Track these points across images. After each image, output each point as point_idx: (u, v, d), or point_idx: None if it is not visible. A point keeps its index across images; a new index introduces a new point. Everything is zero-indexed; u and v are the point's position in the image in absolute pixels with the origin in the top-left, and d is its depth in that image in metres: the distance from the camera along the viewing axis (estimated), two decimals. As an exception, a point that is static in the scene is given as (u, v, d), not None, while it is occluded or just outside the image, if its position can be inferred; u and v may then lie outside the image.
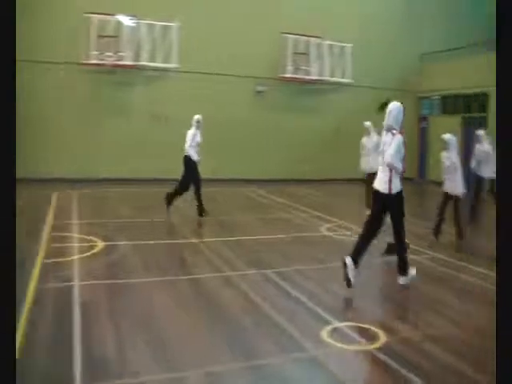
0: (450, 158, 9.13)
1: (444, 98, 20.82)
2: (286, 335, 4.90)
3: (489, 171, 11.12)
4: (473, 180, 11.50)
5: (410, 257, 7.99)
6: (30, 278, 6.21)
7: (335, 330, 5.03)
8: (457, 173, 9.11)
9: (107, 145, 16.63)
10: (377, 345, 4.71)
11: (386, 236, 7.50)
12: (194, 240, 8.88)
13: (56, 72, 15.84)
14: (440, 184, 9.68)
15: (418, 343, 4.82)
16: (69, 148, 16.22)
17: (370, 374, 4.42)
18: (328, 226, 10.49)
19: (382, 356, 4.51)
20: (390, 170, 6.35)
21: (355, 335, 4.95)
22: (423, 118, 21.86)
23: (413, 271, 6.60)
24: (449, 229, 9.37)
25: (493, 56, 18.31)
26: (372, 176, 11.29)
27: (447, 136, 9.27)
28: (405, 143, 6.37)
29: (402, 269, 6.57)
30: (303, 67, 18.98)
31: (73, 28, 15.71)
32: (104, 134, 16.60)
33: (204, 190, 10.88)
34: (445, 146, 9.22)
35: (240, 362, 4.36)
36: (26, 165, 13.10)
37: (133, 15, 16.45)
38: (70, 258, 7.28)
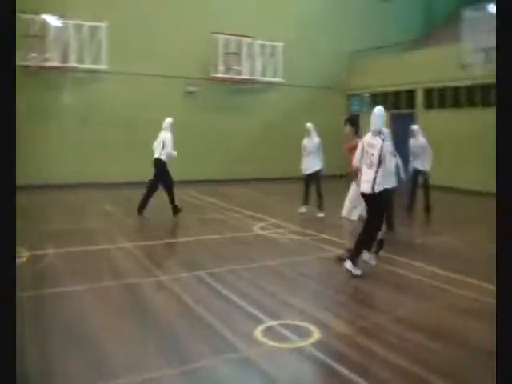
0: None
1: (373, 95, 21.36)
2: (220, 336, 4.84)
3: (424, 164, 11.66)
4: (410, 174, 11.77)
5: (340, 252, 8.16)
6: None
7: (268, 328, 5.00)
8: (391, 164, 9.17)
9: (38, 149, 15.98)
10: (310, 341, 4.72)
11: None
12: (125, 245, 8.64)
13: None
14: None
15: (351, 337, 4.86)
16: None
17: (303, 371, 4.42)
18: (261, 224, 10.50)
19: (315, 352, 4.53)
20: (376, 171, 6.73)
21: (288, 333, 4.93)
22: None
23: (358, 271, 6.84)
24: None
25: (419, 54, 19.34)
26: (311, 176, 11.44)
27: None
28: None
29: (354, 256, 6.87)
30: (235, 67, 18.94)
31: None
32: (35, 138, 15.93)
33: (137, 192, 10.74)
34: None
35: (174, 367, 4.26)
36: None
37: (60, 15, 15.91)
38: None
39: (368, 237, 7.03)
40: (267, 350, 4.58)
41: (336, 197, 14.15)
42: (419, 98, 19.15)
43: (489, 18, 13.43)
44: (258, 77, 19.39)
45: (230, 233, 9.68)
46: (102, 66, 16.40)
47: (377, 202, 6.90)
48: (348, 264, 6.83)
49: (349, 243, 7.48)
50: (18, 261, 7.21)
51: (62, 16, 15.94)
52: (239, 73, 19.00)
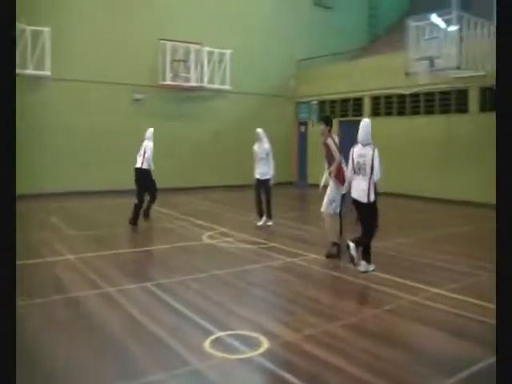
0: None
1: (321, 103, 21.63)
2: (168, 350, 4.74)
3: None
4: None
5: (289, 259, 8.23)
6: None
7: (217, 339, 4.94)
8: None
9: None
10: (259, 351, 4.69)
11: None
12: (69, 256, 8.39)
13: None
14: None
15: (300, 346, 4.86)
16: None
17: (252, 382, 4.39)
18: (210, 233, 10.43)
19: (264, 362, 4.51)
20: (369, 180, 7.21)
21: (238, 343, 4.88)
22: (302, 123, 22.53)
23: (372, 266, 7.46)
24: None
25: (366, 62, 19.72)
26: (262, 182, 11.31)
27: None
28: None
29: (367, 258, 7.44)
30: (182, 74, 18.80)
31: None
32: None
33: (86, 202, 10.49)
34: None
35: (121, 384, 4.16)
36: None
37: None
38: None
39: (368, 241, 7.43)
40: (217, 362, 4.52)
41: (285, 204, 14.22)
42: (366, 106, 19.50)
43: (431, 27, 13.82)
44: (206, 84, 19.29)
45: (178, 242, 9.55)
46: (45, 72, 15.95)
47: (371, 209, 7.36)
48: (362, 267, 7.36)
49: (331, 238, 8.26)
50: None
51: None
52: (187, 80, 18.86)
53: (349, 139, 13.61)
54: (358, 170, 7.32)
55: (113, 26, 17.32)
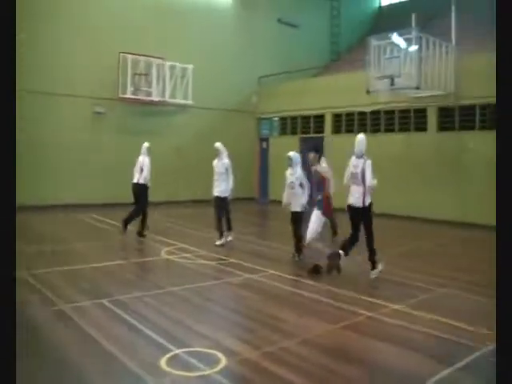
0: (294, 174, 9.39)
1: (283, 119, 21.76)
2: (124, 368, 4.62)
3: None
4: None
5: (248, 276, 8.19)
6: None
7: (174, 357, 4.85)
8: (299, 189, 9.31)
9: None
10: (217, 369, 4.62)
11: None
12: (22, 272, 8.10)
13: None
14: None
15: (258, 363, 4.81)
16: None
17: (209, 401, 4.32)
18: (169, 249, 10.29)
19: (222, 380, 4.44)
20: (364, 187, 7.99)
21: (195, 361, 4.80)
22: (263, 139, 22.61)
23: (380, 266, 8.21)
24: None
25: (328, 79, 19.97)
26: (221, 200, 11.15)
27: (291, 153, 9.60)
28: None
29: (374, 262, 8.20)
30: (144, 88, 18.65)
31: None
32: None
33: (45, 216, 10.24)
34: (289, 162, 9.48)
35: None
36: None
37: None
38: None
39: (372, 245, 8.23)
40: (173, 380, 4.44)
41: (245, 220, 14.17)
42: (328, 123, 19.69)
43: (392, 46, 14.09)
44: (167, 99, 19.19)
45: (136, 258, 9.43)
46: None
47: (366, 214, 8.16)
48: (375, 271, 8.18)
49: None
50: None
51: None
52: (149, 94, 18.71)
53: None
54: (352, 178, 8.13)
55: (73, 38, 17.08)
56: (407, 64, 13.86)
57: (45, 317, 6.07)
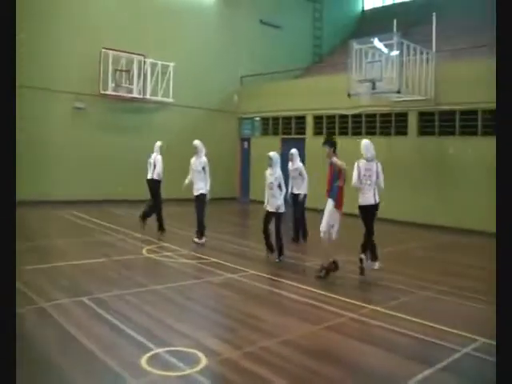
0: (274, 174, 9.40)
1: (265, 120, 21.79)
2: (103, 367, 4.59)
3: (302, 188, 11.40)
4: (290, 197, 11.61)
5: (229, 275, 8.19)
6: None
7: (155, 356, 4.83)
8: (278, 190, 9.35)
9: None
10: (198, 368, 4.60)
11: None
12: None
13: None
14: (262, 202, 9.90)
15: (239, 362, 4.81)
16: None
17: (190, 401, 4.31)
18: (150, 247, 10.26)
19: (202, 379, 4.43)
20: (374, 188, 8.58)
21: (175, 360, 4.78)
22: (245, 139, 22.61)
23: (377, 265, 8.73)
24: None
25: (310, 81, 20.04)
26: (196, 198, 11.06)
27: (272, 153, 9.60)
28: None
29: (375, 257, 8.81)
30: (125, 85, 18.50)
31: None
32: None
33: (18, 212, 10.06)
34: (269, 162, 9.49)
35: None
36: None
37: None
38: None
39: (371, 240, 8.78)
40: (153, 379, 4.42)
41: (226, 220, 14.15)
42: (309, 124, 19.77)
43: (374, 50, 14.20)
44: (148, 96, 19.08)
45: (117, 256, 9.33)
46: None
47: (375, 211, 8.70)
48: (376, 265, 8.71)
49: (324, 259, 8.37)
50: None
51: None
52: (129, 91, 18.56)
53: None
54: (365, 181, 8.56)
55: (54, 33, 16.88)
56: (388, 68, 13.97)
57: (24, 314, 5.99)
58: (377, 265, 8.79)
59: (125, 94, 18.46)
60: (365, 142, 8.95)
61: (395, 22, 15.85)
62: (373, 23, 24.75)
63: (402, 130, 16.74)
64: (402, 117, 16.73)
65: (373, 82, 13.89)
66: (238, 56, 22.11)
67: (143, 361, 4.70)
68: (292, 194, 11.59)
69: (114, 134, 18.47)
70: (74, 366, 4.68)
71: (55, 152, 16.98)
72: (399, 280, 8.36)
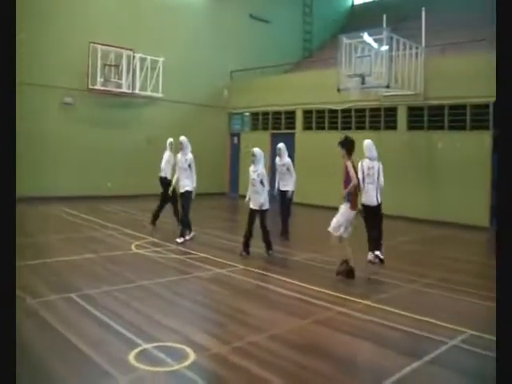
0: (256, 171, 9.32)
1: (254, 115, 21.76)
2: (92, 364, 4.56)
3: (290, 184, 11.28)
4: (278, 193, 11.54)
5: (218, 270, 8.19)
6: None
7: (143, 352, 4.82)
8: (260, 186, 9.26)
9: None
10: (186, 363, 4.60)
11: None
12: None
13: None
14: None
15: (227, 357, 4.81)
16: None
17: (178, 396, 4.30)
18: (139, 243, 10.22)
19: (190, 374, 4.42)
20: (376, 187, 8.93)
21: (164, 356, 4.77)
22: (234, 134, 22.57)
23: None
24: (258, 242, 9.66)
25: (299, 76, 20.04)
26: (181, 195, 10.78)
27: (255, 149, 9.51)
28: None
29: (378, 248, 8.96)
30: (114, 79, 18.38)
31: None
32: None
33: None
34: (253, 159, 9.42)
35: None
36: None
37: None
38: None
39: (379, 235, 9.04)
40: (141, 375, 4.41)
41: (215, 215, 14.11)
42: (299, 119, 19.78)
43: (364, 45, 14.20)
44: (138, 91, 19.00)
45: (106, 252, 9.29)
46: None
47: (379, 210, 9.07)
48: (377, 253, 8.85)
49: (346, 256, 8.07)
50: None
51: None
52: (119, 86, 18.46)
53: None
54: (368, 180, 8.85)
55: (42, 28, 16.73)
56: (378, 63, 13.99)
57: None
58: (379, 253, 9.01)
59: (114, 89, 18.36)
60: (367, 143, 9.21)
61: (385, 16, 15.87)
62: (362, 18, 24.76)
63: (391, 125, 16.78)
64: (391, 111, 16.77)
65: (362, 77, 13.91)
66: (228, 51, 22.05)
67: (131, 357, 4.68)
68: (279, 190, 11.48)
69: (102, 130, 18.38)
70: (61, 363, 4.65)
71: (43, 148, 16.86)
72: (387, 274, 8.40)
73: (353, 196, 8.03)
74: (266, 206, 9.39)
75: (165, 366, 4.57)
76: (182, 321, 5.90)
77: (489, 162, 14.26)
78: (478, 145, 14.51)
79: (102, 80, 17.98)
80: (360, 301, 6.79)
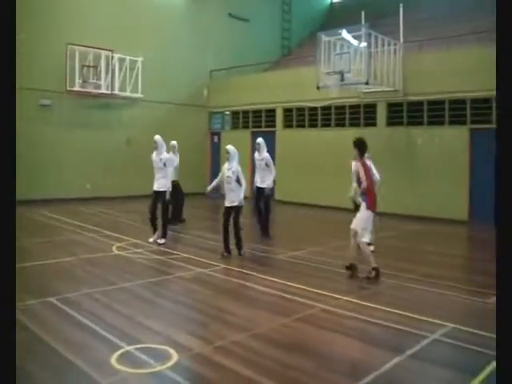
0: (231, 168, 9.22)
1: (235, 114, 21.74)
2: (73, 368, 4.51)
3: (268, 180, 11.14)
4: (255, 189, 11.44)
5: (200, 270, 8.17)
6: None
7: (125, 354, 4.78)
8: (236, 184, 9.18)
9: None
10: (168, 364, 4.57)
11: None
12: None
13: None
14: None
15: (210, 357, 4.79)
16: None
17: (160, 397, 4.27)
18: (120, 244, 10.14)
19: (173, 375, 4.40)
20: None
21: (146, 357, 4.73)
22: (215, 133, 22.53)
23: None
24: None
25: (279, 74, 20.05)
26: (158, 195, 10.41)
27: (229, 146, 9.42)
28: None
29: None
30: (93, 80, 18.19)
31: None
32: None
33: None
34: (227, 156, 9.36)
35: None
36: None
37: None
38: None
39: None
40: (124, 377, 4.38)
41: (196, 215, 14.04)
42: (279, 117, 19.80)
43: (343, 42, 14.24)
44: (117, 91, 18.84)
45: (86, 254, 9.20)
46: None
47: None
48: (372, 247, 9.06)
49: (370, 259, 7.98)
50: None
51: None
52: (97, 87, 18.28)
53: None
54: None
55: (18, 28, 16.50)
56: (357, 60, 14.04)
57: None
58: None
59: (92, 90, 18.19)
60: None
61: (363, 13, 15.94)
62: (341, 15, 24.85)
63: (371, 121, 16.88)
64: (370, 108, 16.86)
65: (341, 74, 13.95)
66: (207, 50, 22.00)
67: (113, 359, 4.64)
68: (257, 187, 11.37)
69: (81, 131, 18.21)
70: (41, 367, 4.58)
71: (20, 150, 16.54)
72: (369, 270, 8.41)
73: (368, 196, 7.98)
74: (242, 203, 9.27)
75: (147, 368, 4.53)
76: (164, 322, 5.86)
77: (467, 156, 14.42)
78: (456, 139, 14.66)
79: (81, 81, 17.80)
80: (342, 297, 6.81)
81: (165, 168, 10.34)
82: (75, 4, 17.98)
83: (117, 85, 18.81)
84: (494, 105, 13.38)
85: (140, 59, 19.18)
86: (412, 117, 15.84)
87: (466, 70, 14.09)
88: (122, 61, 18.82)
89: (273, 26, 25.53)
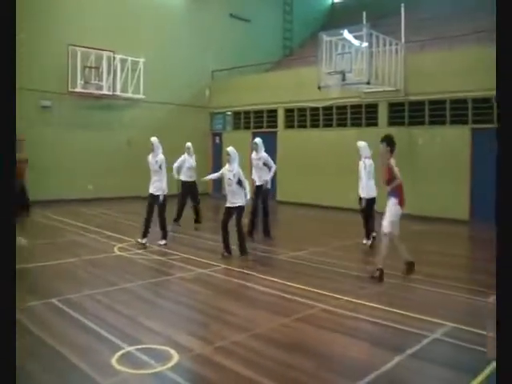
0: (232, 170, 9.18)
1: (236, 114, 21.74)
2: (74, 368, 4.53)
3: (264, 177, 11.09)
4: (255, 188, 11.32)
5: (201, 270, 8.17)
6: None
7: (126, 355, 4.79)
8: (237, 186, 9.12)
9: None
10: (169, 365, 4.58)
11: None
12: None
13: None
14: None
15: (210, 358, 4.80)
16: None
17: (160, 397, 4.28)
18: (121, 245, 10.17)
19: (174, 376, 4.41)
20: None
21: (147, 358, 4.75)
22: (216, 134, 22.53)
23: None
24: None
25: (280, 75, 20.05)
26: (155, 198, 10.16)
27: (229, 148, 9.39)
28: None
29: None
30: (94, 82, 18.21)
31: None
32: None
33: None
34: (227, 158, 9.31)
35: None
36: None
37: None
38: None
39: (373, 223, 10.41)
40: (125, 378, 4.39)
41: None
42: (280, 118, 19.80)
43: (344, 42, 14.24)
44: (118, 92, 18.86)
45: (88, 255, 9.22)
46: None
47: (374, 203, 10.60)
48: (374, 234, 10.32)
49: (378, 261, 7.95)
50: None
51: None
52: (99, 88, 18.30)
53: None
54: (369, 175, 10.36)
55: (19, 29, 16.53)
56: (358, 60, 14.04)
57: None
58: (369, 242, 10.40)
59: (94, 91, 18.21)
60: (364, 144, 10.47)
61: (364, 13, 15.92)
62: (342, 15, 24.84)
63: (372, 121, 16.87)
64: (372, 108, 16.86)
65: (343, 74, 13.96)
66: (209, 50, 22.00)
67: (114, 360, 4.66)
68: (256, 186, 11.30)
69: (83, 132, 18.23)
70: (41, 368, 4.60)
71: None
72: (367, 269, 8.42)
73: (400, 193, 7.88)
74: (244, 203, 9.22)
75: (148, 369, 4.55)
76: (165, 322, 5.88)
77: (468, 156, 14.40)
78: (457, 139, 14.64)
79: (83, 82, 17.81)
80: (342, 297, 6.81)
81: (160, 170, 10.21)
82: (75, 4, 18.00)
83: (118, 86, 18.83)
84: (494, 104, 13.37)
85: (142, 60, 19.22)
86: (413, 117, 15.83)
87: (467, 70, 14.08)
88: (123, 62, 18.85)
89: (274, 27, 25.54)
